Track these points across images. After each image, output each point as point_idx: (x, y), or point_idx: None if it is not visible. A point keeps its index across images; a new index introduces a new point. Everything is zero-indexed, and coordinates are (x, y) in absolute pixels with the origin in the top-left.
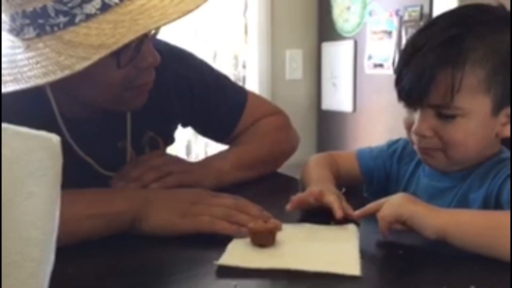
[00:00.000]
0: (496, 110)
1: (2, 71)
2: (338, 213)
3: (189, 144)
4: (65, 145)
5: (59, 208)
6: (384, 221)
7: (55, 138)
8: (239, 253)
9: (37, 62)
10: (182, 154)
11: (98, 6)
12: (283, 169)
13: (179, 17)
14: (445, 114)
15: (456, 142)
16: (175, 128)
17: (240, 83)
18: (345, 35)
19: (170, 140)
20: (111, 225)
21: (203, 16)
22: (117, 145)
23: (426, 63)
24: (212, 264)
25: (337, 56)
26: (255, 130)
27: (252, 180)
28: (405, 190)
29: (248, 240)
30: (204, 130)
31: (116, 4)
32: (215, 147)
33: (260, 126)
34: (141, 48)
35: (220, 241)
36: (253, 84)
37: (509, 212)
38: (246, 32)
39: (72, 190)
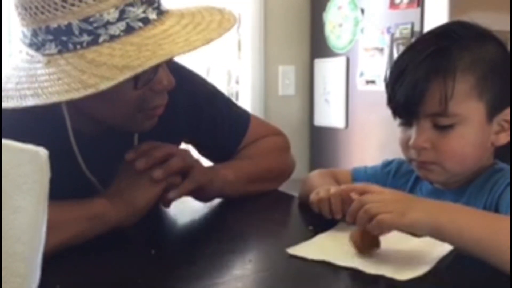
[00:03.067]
0: (490, 116)
1: (22, 85)
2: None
3: None
4: (72, 160)
5: (46, 222)
6: (383, 227)
7: (42, 152)
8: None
9: (59, 79)
10: None
11: (122, 28)
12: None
13: (202, 45)
14: (442, 124)
15: (454, 153)
16: (179, 146)
17: (233, 99)
18: (337, 51)
19: None
20: (96, 226)
21: None
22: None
23: (419, 75)
24: (202, 283)
25: (330, 73)
26: (256, 147)
27: (250, 196)
28: None
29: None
30: (205, 150)
31: (140, 27)
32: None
33: (262, 144)
34: (157, 71)
35: (207, 260)
36: (246, 99)
37: (508, 217)
38: (239, 48)
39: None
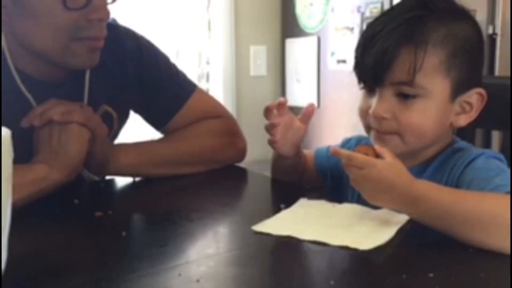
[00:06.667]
0: (454, 95)
1: None
2: None
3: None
4: (21, 98)
5: (11, 204)
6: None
7: (5, 132)
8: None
9: None
10: None
11: None
12: (248, 164)
13: None
14: (405, 94)
15: (414, 124)
16: (130, 105)
17: (204, 80)
18: (308, 31)
19: (125, 116)
20: (41, 188)
21: (165, 12)
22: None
23: (390, 41)
24: (173, 262)
25: (301, 52)
26: (191, 130)
27: (221, 176)
28: None
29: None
30: (146, 113)
31: None
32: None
33: (200, 126)
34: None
35: (178, 240)
36: (217, 80)
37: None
38: (209, 28)
39: None
